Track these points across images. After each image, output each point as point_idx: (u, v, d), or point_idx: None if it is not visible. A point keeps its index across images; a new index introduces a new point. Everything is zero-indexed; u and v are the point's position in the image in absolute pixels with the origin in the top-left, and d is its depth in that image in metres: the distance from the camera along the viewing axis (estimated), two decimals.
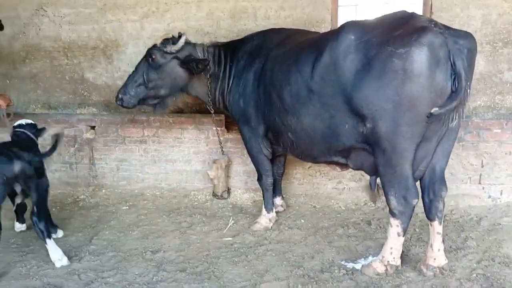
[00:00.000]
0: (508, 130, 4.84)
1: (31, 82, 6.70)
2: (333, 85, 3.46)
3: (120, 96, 4.77)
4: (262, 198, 4.84)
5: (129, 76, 4.81)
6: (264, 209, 4.69)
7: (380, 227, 4.52)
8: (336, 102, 3.46)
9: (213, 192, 5.53)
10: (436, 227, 3.51)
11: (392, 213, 3.45)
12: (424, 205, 3.57)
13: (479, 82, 5.49)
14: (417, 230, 4.40)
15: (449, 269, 3.55)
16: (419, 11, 5.70)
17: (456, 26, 5.37)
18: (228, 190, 5.58)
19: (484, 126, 4.90)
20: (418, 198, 3.38)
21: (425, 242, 4.13)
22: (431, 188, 3.52)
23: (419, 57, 3.01)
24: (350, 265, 3.76)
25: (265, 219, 4.64)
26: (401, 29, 3.15)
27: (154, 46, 4.63)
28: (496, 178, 4.97)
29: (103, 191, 5.94)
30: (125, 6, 6.21)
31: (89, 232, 4.66)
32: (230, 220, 4.78)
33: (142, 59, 4.77)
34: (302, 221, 4.76)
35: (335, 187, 5.49)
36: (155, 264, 3.90)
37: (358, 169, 3.86)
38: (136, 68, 4.78)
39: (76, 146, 6.04)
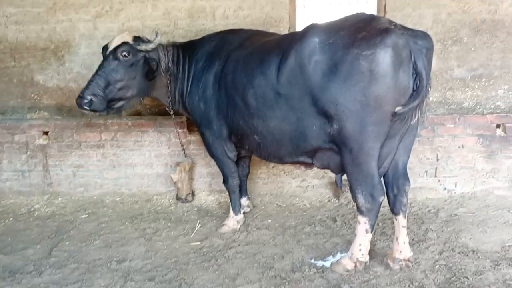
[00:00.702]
0: (461, 124, 5.08)
1: None
2: (299, 88, 3.47)
3: (88, 97, 4.31)
4: (227, 200, 4.81)
5: (95, 75, 4.40)
6: (231, 211, 4.66)
7: (345, 223, 4.62)
8: (303, 105, 3.49)
9: (177, 196, 5.43)
10: (401, 221, 3.63)
11: (359, 211, 3.53)
12: (388, 200, 3.68)
13: (431, 78, 5.70)
14: (380, 224, 4.52)
15: (414, 262, 3.68)
16: (373, 10, 5.86)
17: (408, 25, 5.53)
18: (192, 193, 5.50)
19: (438, 121, 5.11)
20: (384, 195, 3.48)
21: (388, 236, 4.26)
22: (395, 183, 3.64)
23: (385, 58, 3.09)
24: (319, 263, 3.80)
25: (233, 221, 4.61)
26: (365, 31, 3.22)
27: (126, 43, 4.38)
28: (451, 171, 5.21)
29: (59, 199, 5.68)
30: (77, 5, 5.95)
31: (47, 243, 4.45)
32: (197, 224, 4.71)
33: (108, 57, 4.40)
34: (269, 221, 4.78)
35: (299, 185, 5.55)
36: (122, 274, 3.77)
37: (324, 168, 3.93)
38: (103, 66, 4.40)
39: (28, 153, 5.73)
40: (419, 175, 5.26)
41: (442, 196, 5.20)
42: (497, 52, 5.55)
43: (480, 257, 3.76)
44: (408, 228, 4.25)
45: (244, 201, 5.04)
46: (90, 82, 4.40)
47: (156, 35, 4.45)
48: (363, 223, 3.53)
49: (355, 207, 3.63)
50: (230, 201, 4.69)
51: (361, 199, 3.47)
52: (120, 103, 4.57)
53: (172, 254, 4.10)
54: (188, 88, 4.56)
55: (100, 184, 5.74)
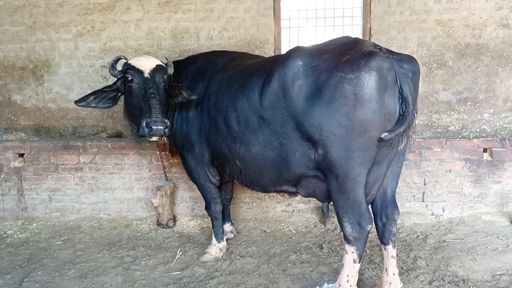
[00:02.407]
0: (447, 148, 5.02)
1: None
2: (282, 112, 3.36)
3: (166, 121, 3.88)
4: (210, 225, 4.64)
5: (152, 98, 3.93)
6: (214, 239, 4.47)
7: (332, 250, 4.47)
8: (286, 129, 3.37)
9: (158, 221, 5.23)
10: (390, 251, 3.49)
11: (347, 240, 3.38)
12: (377, 229, 3.55)
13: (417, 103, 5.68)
14: (368, 252, 4.39)
15: None
16: (359, 33, 5.85)
17: (393, 48, 5.58)
18: (174, 218, 5.30)
19: (425, 145, 5.05)
20: (372, 223, 3.34)
21: (377, 264, 4.12)
22: (384, 212, 3.51)
23: (369, 81, 3.00)
24: None
25: (216, 249, 4.42)
26: (348, 55, 3.14)
27: (162, 67, 4.14)
28: (438, 196, 5.13)
29: (34, 224, 5.43)
30: (57, 24, 5.83)
31: (18, 273, 4.19)
32: (178, 252, 4.51)
33: (152, 81, 4.02)
34: (254, 248, 4.60)
35: (284, 210, 5.40)
36: None
37: (309, 197, 3.77)
38: (154, 87, 3.99)
39: (2, 175, 5.49)
40: (406, 200, 5.16)
41: (430, 222, 5.10)
42: (481, 76, 5.56)
43: (471, 287, 3.64)
44: (396, 255, 4.14)
45: (227, 227, 4.87)
46: (153, 106, 3.89)
47: (168, 60, 4.34)
48: (350, 252, 3.38)
49: (342, 234, 3.48)
50: (213, 227, 4.51)
51: (348, 228, 3.32)
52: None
53: (150, 285, 3.88)
54: (172, 110, 4.42)
55: (78, 209, 5.51)
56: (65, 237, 5.04)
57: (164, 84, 4.16)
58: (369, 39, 5.64)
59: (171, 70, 4.29)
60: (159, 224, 5.21)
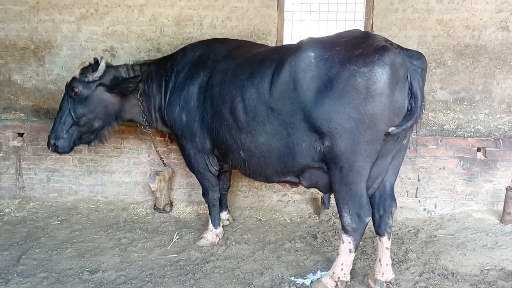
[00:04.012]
0: (442, 146, 5.12)
1: None
2: (292, 103, 3.40)
3: (52, 142, 4.41)
4: (206, 211, 4.70)
5: (56, 117, 4.44)
6: (210, 224, 4.55)
7: (326, 240, 4.56)
8: (294, 120, 3.41)
9: (155, 205, 5.29)
10: (385, 242, 3.59)
11: (345, 230, 3.46)
12: (373, 221, 3.63)
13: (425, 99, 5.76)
14: (361, 243, 4.46)
15: (395, 284, 3.64)
16: (360, 29, 5.90)
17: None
18: (171, 203, 5.37)
19: (421, 142, 5.15)
20: (370, 216, 3.44)
21: (369, 255, 4.22)
22: (382, 204, 3.60)
23: (382, 76, 3.04)
24: (299, 280, 3.73)
25: (212, 234, 4.50)
26: (361, 48, 3.18)
27: (74, 78, 4.34)
28: (431, 192, 5.23)
29: (31, 204, 5.47)
30: (61, 5, 5.80)
31: (16, 250, 4.25)
32: (175, 236, 4.58)
33: (64, 96, 4.43)
34: (249, 235, 4.68)
35: (280, 200, 5.48)
36: (94, 285, 3.63)
37: (311, 187, 3.84)
38: (61, 107, 4.44)
39: (0, 154, 5.50)
40: (400, 195, 5.24)
41: (422, 217, 5.21)
42: (479, 76, 5.64)
43: (460, 280, 3.76)
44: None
45: (224, 215, 4.94)
46: (53, 124, 4.45)
47: (100, 61, 4.35)
48: (347, 242, 3.47)
49: (336, 225, 3.58)
50: (210, 214, 4.58)
51: (347, 219, 3.40)
52: (91, 136, 4.56)
53: (147, 266, 3.96)
54: (167, 102, 4.41)
55: (75, 190, 5.55)
56: (62, 218, 5.09)
57: (74, 98, 4.32)
58: None
59: (94, 75, 4.28)
60: (156, 208, 5.27)
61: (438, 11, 5.55)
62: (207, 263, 4.02)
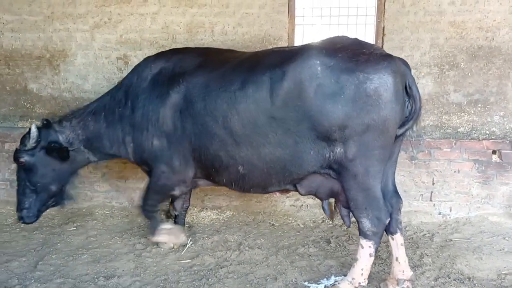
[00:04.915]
0: (457, 149, 5.07)
1: None
2: (297, 111, 3.35)
3: (18, 214, 4.31)
4: (220, 216, 4.78)
5: (16, 191, 4.34)
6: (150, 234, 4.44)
7: (339, 245, 4.54)
8: (301, 128, 3.38)
9: (168, 211, 5.32)
10: (399, 239, 3.59)
11: (364, 235, 3.45)
12: None
13: (427, 102, 5.72)
14: None
15: (415, 281, 3.64)
16: (371, 32, 5.90)
17: (406, 48, 5.65)
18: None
19: (435, 145, 5.10)
20: (389, 217, 3.45)
21: (384, 259, 4.19)
22: (388, 202, 3.61)
23: (391, 82, 3.16)
24: (313, 286, 3.72)
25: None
26: (365, 55, 3.25)
27: (16, 150, 4.25)
28: (446, 195, 5.18)
29: (48, 210, 5.51)
30: (75, 15, 5.91)
31: (33, 256, 4.31)
32: (188, 241, 4.60)
33: (17, 168, 4.32)
34: (262, 240, 4.68)
35: (292, 205, 5.47)
36: None
37: (309, 195, 3.82)
38: (17, 179, 4.32)
39: None
40: (414, 199, 5.22)
41: (437, 221, 5.15)
42: (493, 78, 5.58)
43: (476, 285, 3.71)
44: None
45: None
46: (16, 197, 4.34)
47: (32, 128, 4.15)
48: (367, 247, 3.46)
49: (350, 230, 3.59)
50: (151, 224, 4.44)
51: (367, 223, 3.41)
52: (55, 200, 4.44)
53: (162, 272, 3.99)
54: (127, 131, 4.12)
55: (90, 197, 5.62)
56: (78, 224, 5.16)
57: (24, 168, 4.17)
58: (382, 38, 5.68)
59: (30, 143, 4.09)
60: (169, 216, 5.29)
61: (450, 13, 5.51)
62: (221, 268, 4.04)
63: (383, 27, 5.70)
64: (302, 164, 3.49)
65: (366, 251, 3.47)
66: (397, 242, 3.58)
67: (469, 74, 5.60)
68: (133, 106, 4.05)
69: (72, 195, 4.59)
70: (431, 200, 5.22)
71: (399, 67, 3.25)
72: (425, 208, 5.23)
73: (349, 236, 4.71)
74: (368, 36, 6.15)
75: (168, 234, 4.39)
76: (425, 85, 5.69)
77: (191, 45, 5.88)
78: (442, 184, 5.16)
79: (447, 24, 5.54)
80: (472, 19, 5.48)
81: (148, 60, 4.27)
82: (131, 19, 5.90)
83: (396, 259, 3.58)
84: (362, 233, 3.46)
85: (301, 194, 3.81)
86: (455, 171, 5.12)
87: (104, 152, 4.37)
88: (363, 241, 3.46)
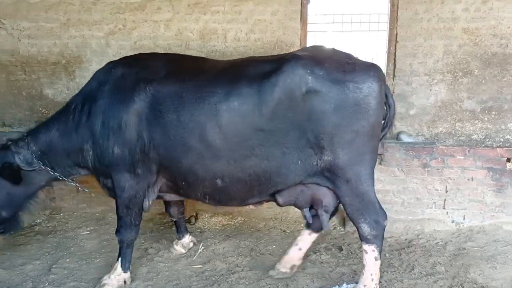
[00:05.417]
0: (471, 156, 5.02)
1: None
2: (287, 122, 3.31)
3: None
4: (231, 222, 4.76)
5: None
6: (119, 268, 3.88)
7: (351, 252, 4.52)
8: (290, 139, 3.34)
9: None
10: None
11: (366, 240, 3.48)
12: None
13: (440, 109, 5.70)
14: (387, 255, 4.43)
15: None
16: (384, 39, 5.89)
17: (419, 55, 5.63)
18: (196, 215, 5.42)
19: (448, 152, 5.06)
20: (387, 218, 3.49)
21: (396, 267, 4.17)
22: None
23: (378, 90, 3.30)
24: None
25: (119, 278, 3.85)
26: (349, 65, 3.35)
27: None
28: (459, 203, 5.12)
29: (61, 214, 5.62)
30: (90, 22, 6.01)
31: (47, 259, 4.37)
32: (200, 246, 4.62)
33: None
34: (274, 246, 4.69)
35: None
36: None
37: (288, 205, 3.78)
38: None
39: None
40: (427, 206, 5.17)
41: (450, 229, 5.10)
42: (507, 85, 5.54)
43: None
44: (415, 260, 4.21)
45: (187, 238, 4.61)
46: None
47: None
48: (371, 251, 3.47)
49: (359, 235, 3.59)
50: (121, 256, 3.88)
51: (366, 228, 3.44)
52: (2, 227, 4.02)
53: (173, 277, 4.01)
54: (84, 141, 3.76)
55: (104, 201, 5.66)
56: (91, 228, 5.21)
57: None
58: (395, 45, 5.67)
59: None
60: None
61: (464, 20, 5.49)
62: (232, 274, 4.05)
63: (396, 34, 5.69)
64: (288, 175, 3.46)
65: (370, 255, 3.48)
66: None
67: (483, 81, 5.56)
68: (91, 112, 3.72)
69: (19, 224, 4.15)
70: (444, 208, 5.16)
71: (383, 75, 3.41)
72: (438, 216, 5.18)
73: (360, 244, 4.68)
74: (380, 43, 6.16)
75: (125, 282, 3.90)
76: (438, 92, 5.67)
77: (204, 51, 5.94)
78: (455, 192, 5.11)
79: (461, 31, 5.52)
80: (486, 25, 5.45)
81: (109, 65, 3.97)
82: (145, 26, 5.98)
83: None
84: (363, 238, 3.49)
85: (279, 205, 3.73)
86: (468, 179, 5.07)
87: (64, 164, 3.95)
88: (366, 246, 3.49)
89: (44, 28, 6.11)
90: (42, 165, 3.88)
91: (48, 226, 5.29)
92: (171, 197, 3.99)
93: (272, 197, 3.66)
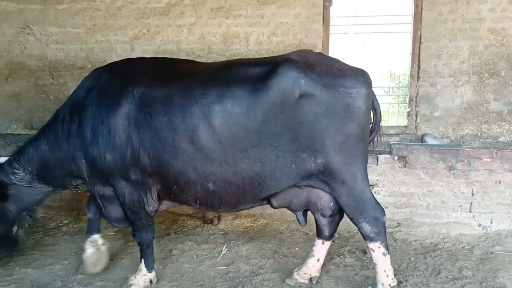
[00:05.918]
0: (498, 159, 4.92)
1: (13, 101, 6.52)
2: (280, 125, 3.31)
3: None
4: (254, 224, 4.76)
5: None
6: (144, 268, 3.88)
7: None
8: (284, 142, 3.34)
9: (203, 218, 5.40)
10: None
11: (369, 238, 3.49)
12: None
13: (466, 111, 5.62)
14: (412, 259, 4.38)
15: None
16: (408, 41, 5.84)
17: (444, 56, 5.57)
18: (219, 216, 5.46)
19: (475, 155, 4.97)
20: (385, 213, 3.51)
21: (422, 271, 4.11)
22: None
23: (367, 93, 3.39)
24: None
25: (145, 279, 3.88)
26: (338, 69, 3.42)
27: None
28: (486, 207, 5.03)
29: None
30: (115, 27, 6.14)
31: (75, 260, 4.46)
32: (223, 248, 4.65)
33: None
34: (297, 249, 4.68)
35: None
36: None
37: (282, 207, 3.78)
38: None
39: None
40: (453, 210, 5.09)
41: (476, 233, 5.00)
42: None
43: None
44: (441, 264, 4.15)
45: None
46: None
47: None
48: (377, 248, 3.48)
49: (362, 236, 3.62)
50: (143, 257, 3.89)
51: (366, 226, 3.46)
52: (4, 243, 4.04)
53: (198, 278, 4.05)
54: (75, 150, 3.71)
55: None
56: (117, 229, 5.28)
57: None
58: (419, 47, 5.62)
59: None
60: (204, 220, 5.38)
61: (490, 20, 5.41)
62: (256, 276, 4.06)
63: (420, 35, 5.65)
64: (282, 178, 3.45)
65: (378, 252, 3.48)
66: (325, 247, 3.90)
67: (510, 82, 5.47)
68: (80, 120, 3.66)
69: (22, 239, 4.17)
70: (470, 212, 5.07)
71: (370, 80, 3.46)
72: (464, 220, 5.09)
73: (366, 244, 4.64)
74: (404, 44, 6.11)
75: (151, 282, 3.95)
76: (463, 94, 5.59)
77: (226, 55, 6.00)
78: (482, 195, 5.02)
79: (487, 31, 5.44)
80: None
81: (95, 72, 3.87)
82: (169, 31, 6.08)
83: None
84: (366, 238, 3.49)
85: (273, 207, 3.74)
86: (496, 182, 4.96)
87: (59, 176, 3.90)
88: (371, 244, 3.49)
89: (71, 34, 6.28)
90: (40, 183, 3.93)
91: (75, 227, 5.40)
92: (166, 204, 3.92)
93: (267, 200, 3.65)
